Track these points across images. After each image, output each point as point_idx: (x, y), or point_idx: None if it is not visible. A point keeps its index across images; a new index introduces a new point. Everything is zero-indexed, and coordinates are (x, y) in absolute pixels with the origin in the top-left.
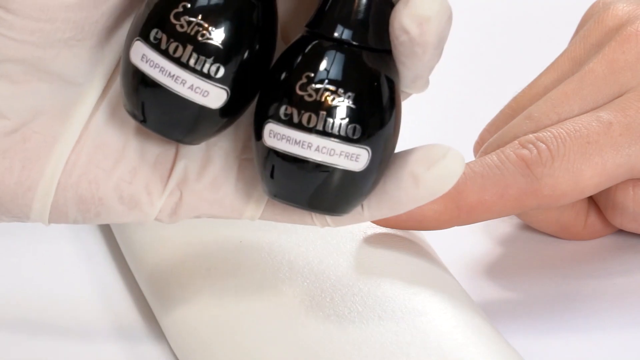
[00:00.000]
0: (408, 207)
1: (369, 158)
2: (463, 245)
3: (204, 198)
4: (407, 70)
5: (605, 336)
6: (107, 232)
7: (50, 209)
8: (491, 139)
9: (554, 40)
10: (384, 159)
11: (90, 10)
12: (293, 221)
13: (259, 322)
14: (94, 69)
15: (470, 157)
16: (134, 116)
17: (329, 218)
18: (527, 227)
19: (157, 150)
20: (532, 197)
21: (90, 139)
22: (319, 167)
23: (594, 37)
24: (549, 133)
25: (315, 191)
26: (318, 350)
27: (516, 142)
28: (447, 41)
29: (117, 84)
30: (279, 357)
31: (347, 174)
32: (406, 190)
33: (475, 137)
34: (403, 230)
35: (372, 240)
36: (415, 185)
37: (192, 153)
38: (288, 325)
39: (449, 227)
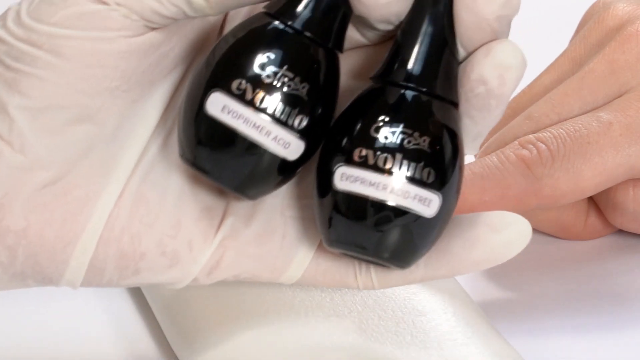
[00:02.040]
0: (468, 269)
1: (440, 204)
2: None
3: (247, 254)
4: (473, 125)
5: (605, 336)
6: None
7: (87, 266)
8: (491, 139)
9: (554, 40)
10: (450, 209)
11: (140, 59)
12: (335, 282)
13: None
14: (136, 123)
15: (470, 157)
16: (199, 168)
17: (374, 278)
18: None
19: (201, 205)
20: (533, 197)
21: (132, 193)
22: (392, 210)
23: (594, 37)
24: (549, 133)
25: (383, 237)
26: (318, 351)
27: (516, 142)
28: None
29: (159, 140)
30: (278, 357)
31: (417, 220)
32: (471, 252)
33: None
34: None
35: None
36: (481, 247)
37: (239, 209)
38: (288, 326)
39: None
